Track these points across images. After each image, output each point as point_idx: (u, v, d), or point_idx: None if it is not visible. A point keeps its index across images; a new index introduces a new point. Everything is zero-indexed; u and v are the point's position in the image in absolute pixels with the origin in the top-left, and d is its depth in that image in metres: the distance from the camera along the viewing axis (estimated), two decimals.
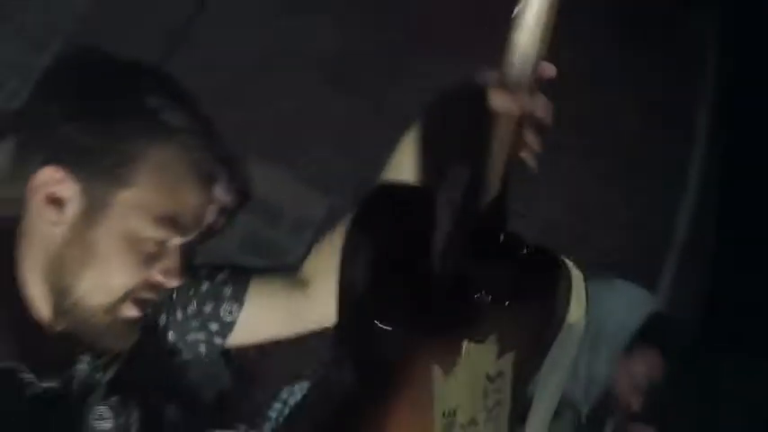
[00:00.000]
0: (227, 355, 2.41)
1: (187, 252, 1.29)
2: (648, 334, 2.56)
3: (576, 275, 1.26)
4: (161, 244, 1.23)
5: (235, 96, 5.54)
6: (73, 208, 1.18)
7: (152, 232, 1.20)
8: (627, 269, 7.00)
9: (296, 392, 2.63)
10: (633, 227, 7.64)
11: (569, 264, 1.28)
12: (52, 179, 1.17)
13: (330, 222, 1.47)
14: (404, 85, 5.45)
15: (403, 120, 1.33)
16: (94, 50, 1.27)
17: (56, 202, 1.18)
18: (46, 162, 1.16)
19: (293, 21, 6.06)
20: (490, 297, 1.14)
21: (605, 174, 7.49)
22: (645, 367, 2.48)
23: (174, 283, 1.27)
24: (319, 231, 5.54)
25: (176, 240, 1.25)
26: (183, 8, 5.76)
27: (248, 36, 5.91)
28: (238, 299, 1.46)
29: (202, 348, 1.48)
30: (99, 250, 1.19)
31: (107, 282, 1.20)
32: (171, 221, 1.21)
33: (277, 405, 2.53)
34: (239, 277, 1.48)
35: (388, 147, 1.37)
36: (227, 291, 1.46)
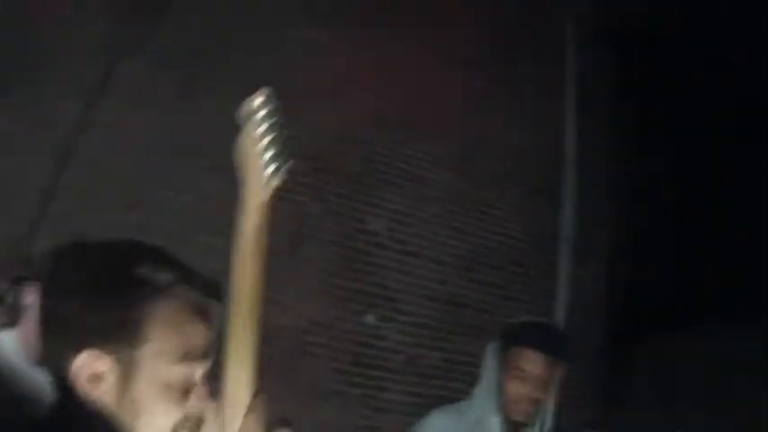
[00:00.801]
0: None
1: (211, 375, 1.54)
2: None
3: None
4: (189, 377, 1.46)
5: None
6: (112, 377, 1.40)
7: (178, 371, 1.44)
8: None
9: None
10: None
11: None
12: (89, 361, 1.39)
13: None
14: None
15: None
16: (80, 243, 1.54)
17: (96, 377, 1.39)
18: (78, 349, 1.39)
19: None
20: None
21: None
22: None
23: (210, 404, 1.51)
24: None
25: (200, 370, 1.49)
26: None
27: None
28: None
29: None
30: (143, 401, 1.40)
31: (158, 425, 1.41)
32: (189, 356, 1.46)
33: None
34: None
35: None
36: None
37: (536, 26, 8.74)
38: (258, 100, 1.70)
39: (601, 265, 8.46)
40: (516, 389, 2.80)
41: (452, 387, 7.25)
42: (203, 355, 1.50)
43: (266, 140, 1.68)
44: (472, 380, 7.19)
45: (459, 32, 8.24)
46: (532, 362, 2.80)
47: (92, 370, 1.38)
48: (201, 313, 1.52)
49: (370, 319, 6.97)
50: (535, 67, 8.53)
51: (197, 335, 1.49)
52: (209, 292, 1.58)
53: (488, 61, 8.33)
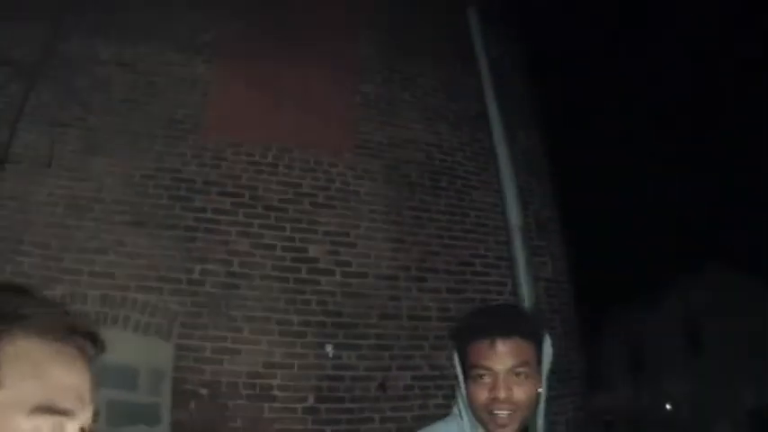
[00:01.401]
0: None
1: None
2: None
3: None
4: None
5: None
6: None
7: (29, 425, 1.12)
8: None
9: None
10: None
11: None
12: None
13: None
14: None
15: None
16: None
17: None
18: None
19: None
20: None
21: None
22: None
23: None
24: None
25: (71, 426, 1.19)
26: None
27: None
28: None
29: None
30: None
31: None
32: (48, 409, 1.15)
33: None
34: None
35: None
36: None
37: (438, 21, 8.45)
38: None
39: (558, 247, 8.10)
40: (480, 394, 2.16)
41: (432, 404, 6.79)
42: (70, 408, 1.19)
43: None
44: (449, 393, 6.90)
45: (357, 41, 7.95)
46: (488, 355, 2.10)
47: None
48: (73, 354, 1.24)
49: (329, 349, 6.44)
50: (445, 62, 8.24)
51: (63, 380, 1.19)
52: (84, 335, 1.27)
53: (393, 64, 8.01)
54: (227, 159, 6.89)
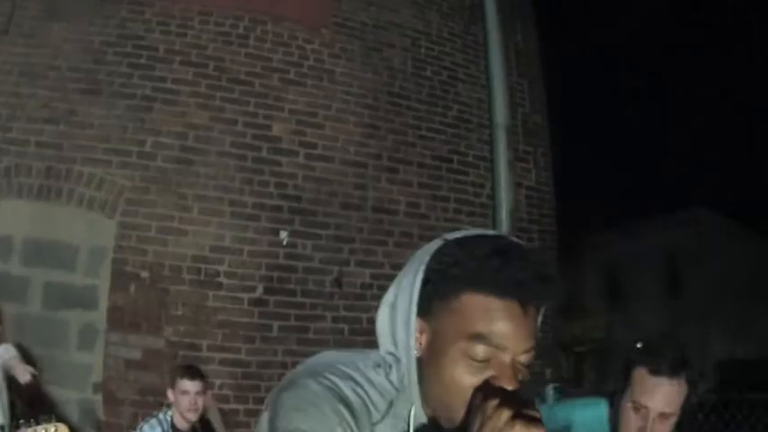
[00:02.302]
0: None
1: None
2: None
3: None
4: None
5: None
6: None
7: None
8: None
9: None
10: None
11: None
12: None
13: None
14: None
15: None
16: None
17: None
18: None
19: None
20: None
21: None
22: None
23: None
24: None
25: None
26: None
27: None
28: None
29: None
30: None
31: None
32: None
33: None
34: None
35: None
36: None
37: None
38: None
39: (545, 156, 7.59)
40: (469, 376, 1.33)
41: None
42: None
43: None
44: None
45: None
46: (497, 319, 1.32)
47: None
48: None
49: (284, 235, 5.96)
50: None
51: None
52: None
53: None
54: (193, 28, 6.30)
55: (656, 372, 2.40)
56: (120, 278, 5.63)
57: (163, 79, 6.05)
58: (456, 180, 6.86)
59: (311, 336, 6.01)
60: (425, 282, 1.40)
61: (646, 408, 2.40)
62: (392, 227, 6.43)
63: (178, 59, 6.16)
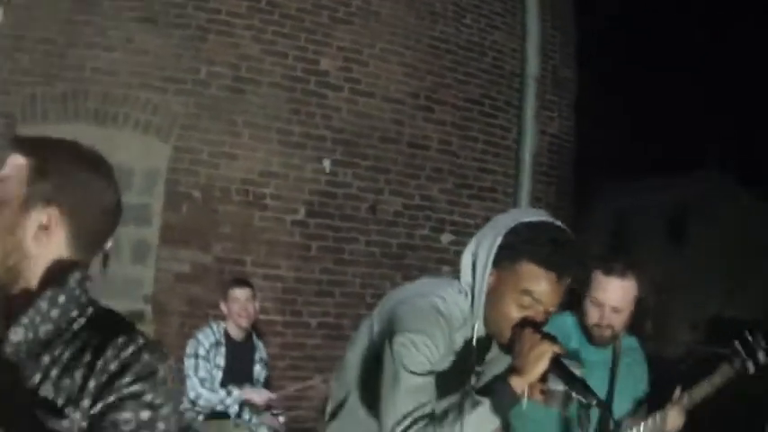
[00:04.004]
0: None
1: None
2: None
3: None
4: None
5: None
6: None
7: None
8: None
9: None
10: None
11: None
12: None
13: None
14: None
15: None
16: None
17: None
18: None
19: None
20: None
21: None
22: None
23: None
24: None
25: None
26: None
27: None
28: None
29: None
30: None
31: None
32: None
33: None
34: None
35: None
36: None
37: None
38: None
39: (569, 107, 7.99)
40: (516, 312, 2.15)
41: (418, 235, 6.84)
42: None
43: None
44: (436, 226, 6.95)
45: None
46: (543, 283, 2.11)
47: None
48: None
49: (326, 163, 6.42)
50: None
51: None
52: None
53: None
54: None
55: (608, 272, 3.05)
56: (173, 198, 6.08)
57: (217, 11, 6.37)
58: (486, 123, 7.29)
59: (345, 257, 6.52)
60: (500, 246, 2.21)
61: (602, 302, 3.05)
62: (424, 162, 6.89)
63: None
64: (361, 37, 6.78)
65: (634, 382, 3.22)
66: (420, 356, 2.15)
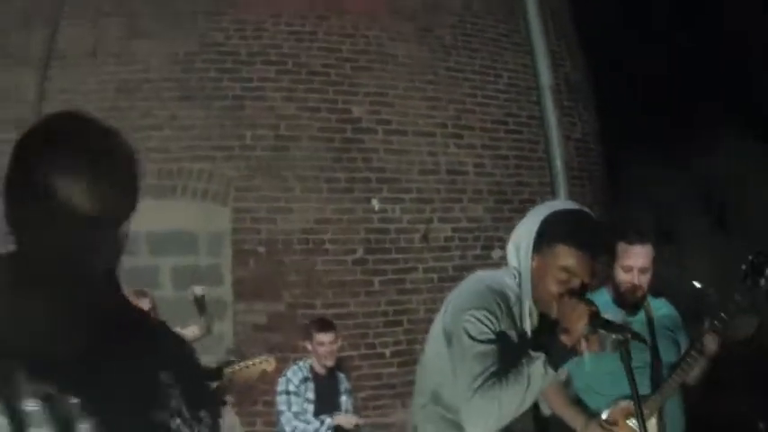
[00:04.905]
0: None
1: None
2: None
3: None
4: None
5: None
6: None
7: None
8: None
9: None
10: None
11: None
12: None
13: None
14: None
15: None
16: None
17: None
18: None
19: None
20: None
21: None
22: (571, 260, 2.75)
23: None
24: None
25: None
26: None
27: None
28: None
29: None
30: None
31: None
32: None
33: None
34: None
35: None
36: None
37: None
38: None
39: (588, 109, 8.39)
40: (557, 287, 2.67)
41: (470, 255, 7.21)
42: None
43: None
44: (485, 245, 7.33)
45: None
46: (576, 260, 2.64)
47: None
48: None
49: (375, 203, 6.84)
50: None
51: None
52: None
53: None
54: (268, 30, 7.11)
55: (631, 242, 3.78)
56: (240, 256, 6.54)
57: (249, 80, 6.87)
58: (513, 139, 7.69)
59: (407, 286, 6.91)
60: (538, 233, 2.72)
61: (631, 267, 3.75)
62: (464, 185, 7.29)
63: (259, 60, 6.99)
64: (384, 80, 7.23)
65: (673, 338, 3.79)
66: (483, 327, 2.67)
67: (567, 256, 2.64)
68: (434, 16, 7.79)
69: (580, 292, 2.64)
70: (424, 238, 6.99)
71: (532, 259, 2.74)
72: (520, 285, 2.77)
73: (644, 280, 3.76)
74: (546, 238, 2.71)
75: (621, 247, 3.81)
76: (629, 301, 3.80)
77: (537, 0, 8.32)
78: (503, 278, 2.80)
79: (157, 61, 6.76)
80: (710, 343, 3.53)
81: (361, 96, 7.11)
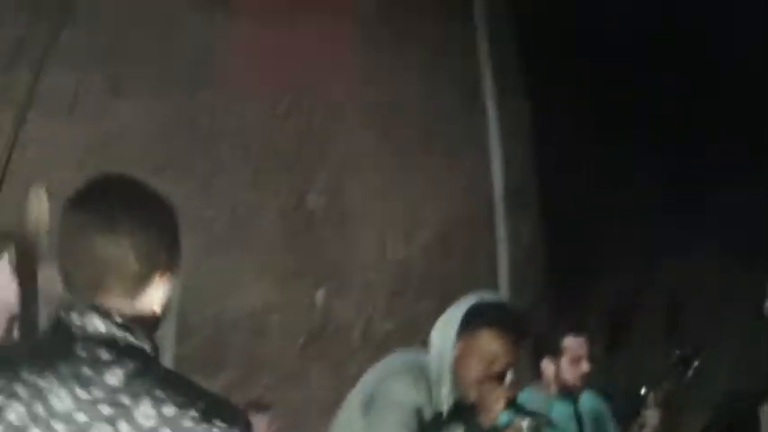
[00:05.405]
0: None
1: None
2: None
3: None
4: None
5: None
6: None
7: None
8: None
9: None
10: None
11: None
12: None
13: None
14: None
15: None
16: None
17: None
18: None
19: None
20: None
21: None
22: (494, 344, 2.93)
23: None
24: None
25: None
26: None
27: None
28: None
29: None
30: None
31: None
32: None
33: None
34: None
35: None
36: None
37: None
38: None
39: (534, 216, 8.69)
40: (479, 371, 2.82)
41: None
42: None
43: None
44: (426, 339, 7.45)
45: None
46: (499, 345, 2.84)
47: None
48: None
49: (320, 294, 7.01)
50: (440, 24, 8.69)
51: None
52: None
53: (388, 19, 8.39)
54: (237, 110, 7.30)
55: (571, 332, 4.22)
56: (184, 332, 6.58)
57: (218, 156, 7.03)
58: (463, 239, 7.95)
59: (347, 376, 7.00)
60: (463, 319, 2.76)
61: (577, 355, 4.19)
62: (411, 281, 7.52)
63: (229, 138, 7.16)
64: (342, 173, 7.46)
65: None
66: (402, 398, 2.79)
67: (490, 341, 2.83)
68: (395, 115, 8.06)
69: (500, 377, 2.79)
70: (366, 330, 7.16)
71: (456, 344, 2.89)
72: (441, 367, 2.91)
73: (586, 367, 3.97)
74: (470, 324, 2.88)
75: (564, 338, 4.07)
76: (562, 390, 4.02)
77: (496, 103, 8.67)
78: (424, 357, 2.96)
79: (133, 126, 6.80)
80: (651, 418, 3.71)
81: (319, 186, 7.31)
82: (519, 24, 9.31)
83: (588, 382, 4.11)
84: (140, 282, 1.60)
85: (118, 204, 1.67)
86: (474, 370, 2.81)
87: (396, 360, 2.95)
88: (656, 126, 8.66)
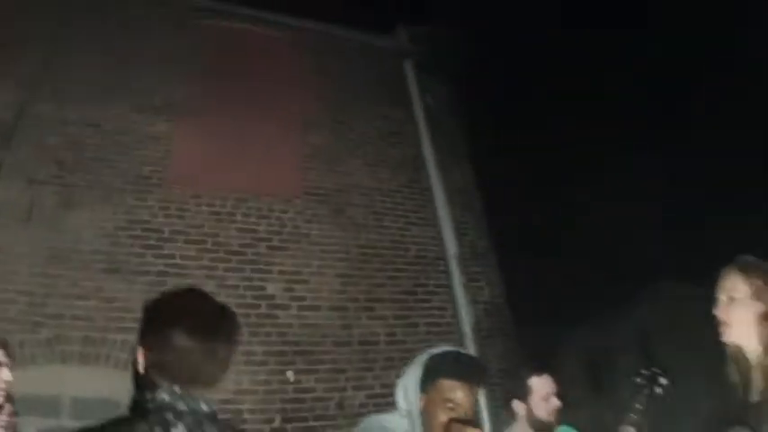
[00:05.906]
0: None
1: None
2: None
3: None
4: None
5: None
6: None
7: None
8: None
9: None
10: None
11: None
12: None
13: None
14: None
15: None
16: None
17: None
18: None
19: None
20: None
21: None
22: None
23: None
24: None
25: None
26: None
27: None
28: None
29: None
30: None
31: None
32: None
33: None
34: None
35: None
36: None
37: (378, 74, 9.42)
38: None
39: (494, 272, 8.98)
40: (444, 417, 3.01)
41: None
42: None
43: None
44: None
45: (305, 98, 8.81)
46: (459, 391, 3.05)
47: None
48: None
49: (290, 375, 7.22)
50: (384, 112, 9.18)
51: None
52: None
53: (337, 116, 8.90)
54: (190, 210, 7.62)
55: (538, 373, 4.45)
56: None
57: (172, 256, 7.27)
58: (423, 308, 8.21)
59: None
60: (422, 375, 3.12)
61: (546, 394, 4.39)
62: (376, 355, 7.73)
63: (181, 238, 7.43)
64: (298, 258, 7.77)
65: None
66: None
67: (449, 389, 3.03)
68: (347, 197, 8.45)
69: (465, 420, 3.01)
70: (339, 405, 7.36)
71: (420, 399, 3.11)
72: (412, 422, 3.12)
73: (557, 403, 4.31)
74: (429, 377, 3.11)
75: (531, 380, 4.41)
76: (537, 428, 4.34)
77: (442, 177, 9.08)
78: (394, 418, 3.18)
79: (88, 233, 7.12)
80: None
81: (276, 274, 7.61)
82: (458, 98, 9.84)
83: (568, 419, 4.39)
84: None
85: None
86: (440, 417, 3.01)
87: (368, 425, 3.17)
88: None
